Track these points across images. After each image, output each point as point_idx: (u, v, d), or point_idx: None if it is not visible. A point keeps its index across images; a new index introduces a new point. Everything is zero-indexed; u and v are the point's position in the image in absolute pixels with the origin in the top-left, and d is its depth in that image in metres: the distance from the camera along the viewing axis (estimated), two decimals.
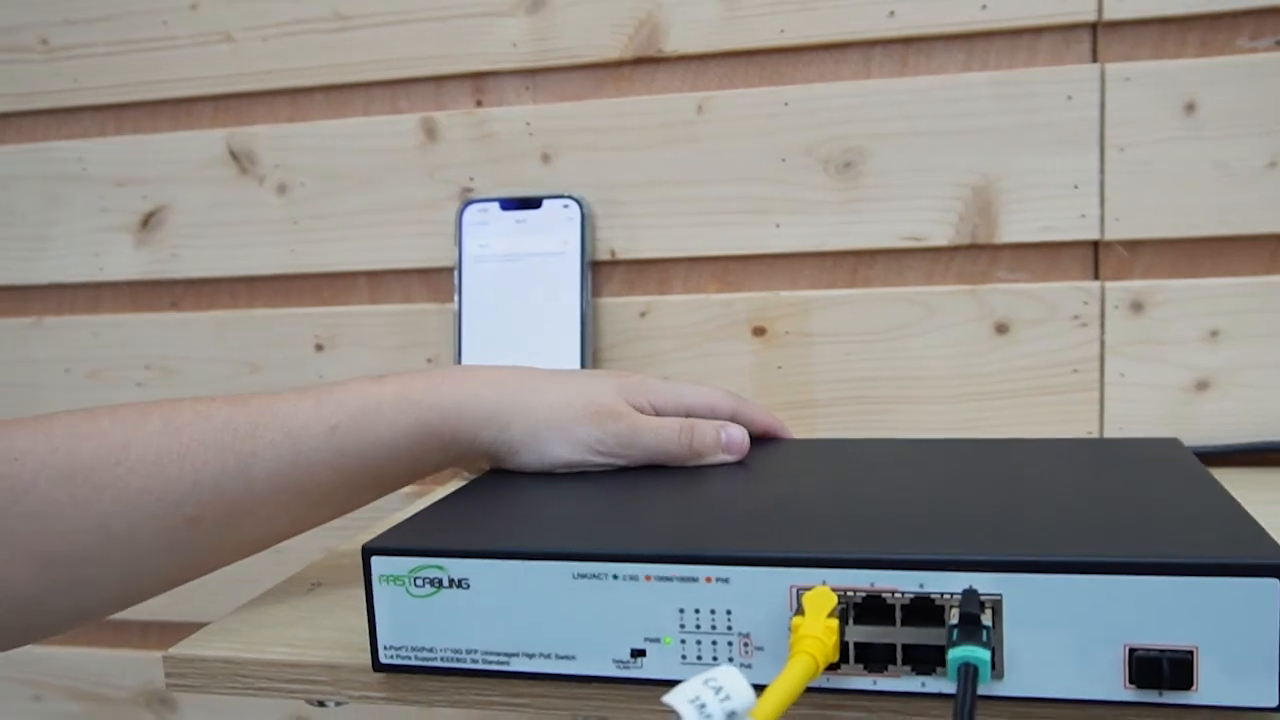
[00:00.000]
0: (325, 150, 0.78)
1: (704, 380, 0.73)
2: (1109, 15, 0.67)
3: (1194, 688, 0.37)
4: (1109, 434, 0.69)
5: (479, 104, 0.76)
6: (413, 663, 0.44)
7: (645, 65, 0.73)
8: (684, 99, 0.72)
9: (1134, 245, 0.68)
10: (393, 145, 0.77)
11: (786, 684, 0.34)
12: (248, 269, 0.80)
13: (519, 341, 0.73)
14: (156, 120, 0.82)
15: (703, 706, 0.31)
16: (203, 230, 0.81)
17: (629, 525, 0.45)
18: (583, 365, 0.72)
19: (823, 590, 0.39)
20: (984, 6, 0.68)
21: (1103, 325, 0.68)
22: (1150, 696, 0.38)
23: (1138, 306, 0.68)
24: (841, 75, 0.71)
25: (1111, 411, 0.69)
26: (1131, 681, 0.38)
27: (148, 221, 0.82)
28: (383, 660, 0.44)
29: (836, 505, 0.47)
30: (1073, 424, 0.69)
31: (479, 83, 0.76)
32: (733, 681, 0.32)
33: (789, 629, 0.40)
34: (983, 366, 0.70)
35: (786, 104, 0.71)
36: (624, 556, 0.41)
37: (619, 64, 0.73)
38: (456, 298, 0.75)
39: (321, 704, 0.47)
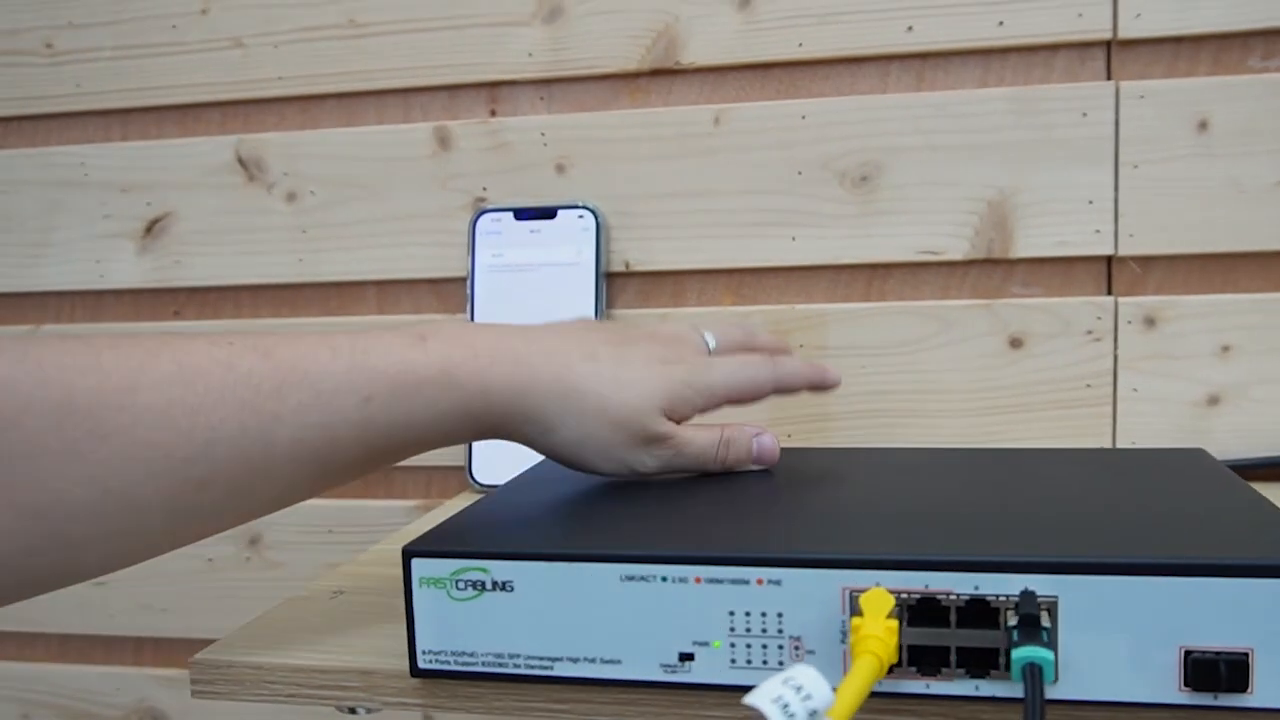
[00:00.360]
0: (336, 158, 0.77)
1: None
2: (1123, 33, 0.67)
3: (1250, 690, 0.37)
4: (1122, 448, 0.69)
5: (493, 113, 0.76)
6: (452, 668, 0.43)
7: (662, 77, 0.73)
8: (701, 111, 0.72)
9: (1147, 261, 0.69)
10: (405, 154, 0.76)
11: (857, 683, 0.34)
12: (254, 277, 0.79)
13: None
14: (162, 126, 0.81)
15: (786, 706, 0.31)
16: (208, 238, 0.80)
17: (677, 527, 0.45)
18: None
19: (879, 591, 0.38)
20: (1001, 23, 0.69)
21: (1116, 340, 0.69)
22: (1205, 699, 0.38)
23: (1150, 322, 0.68)
24: (859, 89, 0.71)
25: (1124, 426, 0.69)
26: (1187, 684, 0.38)
27: (151, 228, 0.81)
28: (421, 665, 0.43)
29: (885, 508, 0.46)
30: (1086, 438, 0.69)
31: (494, 92, 0.76)
32: (812, 680, 0.32)
33: (843, 631, 0.39)
34: (997, 380, 0.70)
35: (804, 117, 0.71)
36: (674, 559, 0.41)
37: (636, 75, 0.73)
38: (469, 307, 0.74)
39: (353, 711, 0.46)
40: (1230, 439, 0.68)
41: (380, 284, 0.78)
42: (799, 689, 0.31)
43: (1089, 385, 0.69)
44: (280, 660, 0.46)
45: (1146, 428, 0.69)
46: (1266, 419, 0.68)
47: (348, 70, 0.77)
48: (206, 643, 0.78)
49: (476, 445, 0.73)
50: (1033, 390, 0.70)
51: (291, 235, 0.78)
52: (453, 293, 0.77)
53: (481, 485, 0.73)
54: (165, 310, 0.82)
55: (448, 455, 0.77)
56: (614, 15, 0.73)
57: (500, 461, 0.72)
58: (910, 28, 0.70)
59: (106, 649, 0.87)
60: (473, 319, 0.74)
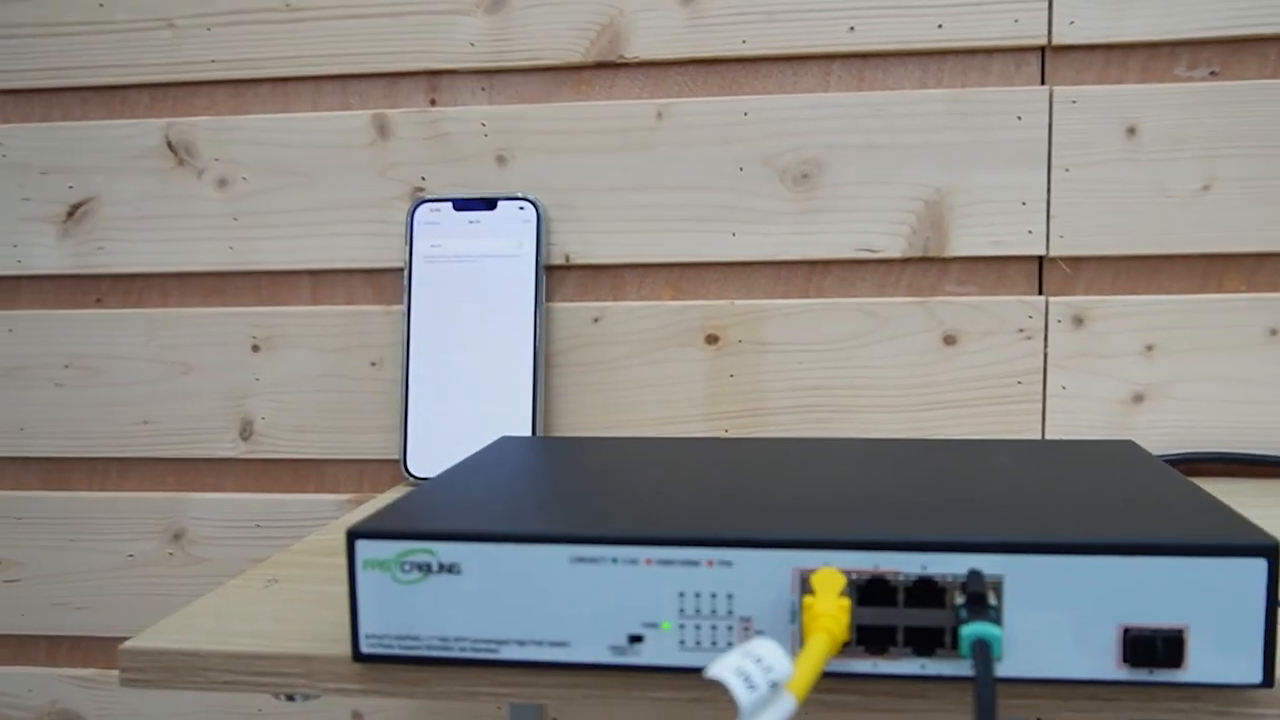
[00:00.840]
0: (270, 144, 0.76)
1: (657, 386, 0.73)
2: (1058, 40, 0.69)
3: (1184, 666, 0.38)
4: (1057, 439, 0.70)
5: (433, 103, 0.75)
6: (396, 652, 0.42)
7: (606, 70, 0.73)
8: (644, 105, 0.72)
9: (1076, 262, 0.70)
10: (342, 142, 0.75)
11: (814, 657, 0.34)
12: (182, 265, 0.78)
13: (470, 344, 0.72)
14: (87, 107, 0.79)
15: (747, 678, 0.31)
16: (134, 223, 0.78)
17: (627, 509, 0.44)
18: (535, 370, 0.71)
19: (830, 571, 0.39)
20: (940, 26, 0.70)
21: (1046, 339, 0.70)
22: (1142, 675, 0.38)
23: (1079, 321, 0.70)
24: (800, 88, 0.72)
25: (1053, 422, 0.70)
26: (1125, 660, 0.38)
27: (74, 213, 0.79)
28: (364, 650, 0.42)
29: (832, 493, 0.47)
30: (1016, 434, 0.71)
31: (434, 81, 0.75)
32: (772, 652, 0.32)
33: (793, 612, 0.39)
34: (932, 377, 0.71)
35: (746, 114, 0.72)
36: (624, 540, 0.41)
37: (579, 68, 0.73)
38: (405, 298, 0.73)
39: (290, 698, 0.45)
40: (1153, 436, 0.70)
41: (315, 274, 0.77)
42: (759, 660, 0.31)
43: (1020, 382, 0.70)
44: (215, 647, 0.45)
45: (1074, 424, 0.70)
46: (1187, 416, 0.70)
47: (283, 55, 0.75)
48: (125, 640, 0.76)
49: (412, 434, 0.72)
50: (966, 387, 0.71)
51: (222, 222, 0.77)
52: (389, 284, 0.76)
53: (416, 478, 0.72)
54: (86, 298, 0.80)
55: (379, 447, 0.76)
56: (558, 7, 0.73)
57: (437, 453, 0.72)
58: (852, 28, 0.71)
59: (18, 648, 0.84)
60: (410, 311, 0.73)
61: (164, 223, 0.78)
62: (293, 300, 0.77)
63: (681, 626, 0.41)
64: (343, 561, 0.56)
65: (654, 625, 0.41)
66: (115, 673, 0.82)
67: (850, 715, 0.73)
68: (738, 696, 0.30)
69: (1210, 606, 0.38)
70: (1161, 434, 0.70)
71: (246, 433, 0.77)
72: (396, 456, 0.75)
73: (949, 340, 0.71)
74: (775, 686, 0.31)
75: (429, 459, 0.72)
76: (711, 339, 0.73)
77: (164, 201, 0.77)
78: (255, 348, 0.77)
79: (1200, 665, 0.38)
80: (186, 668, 0.45)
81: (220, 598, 0.51)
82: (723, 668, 0.31)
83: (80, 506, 0.80)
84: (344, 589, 0.51)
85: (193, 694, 0.80)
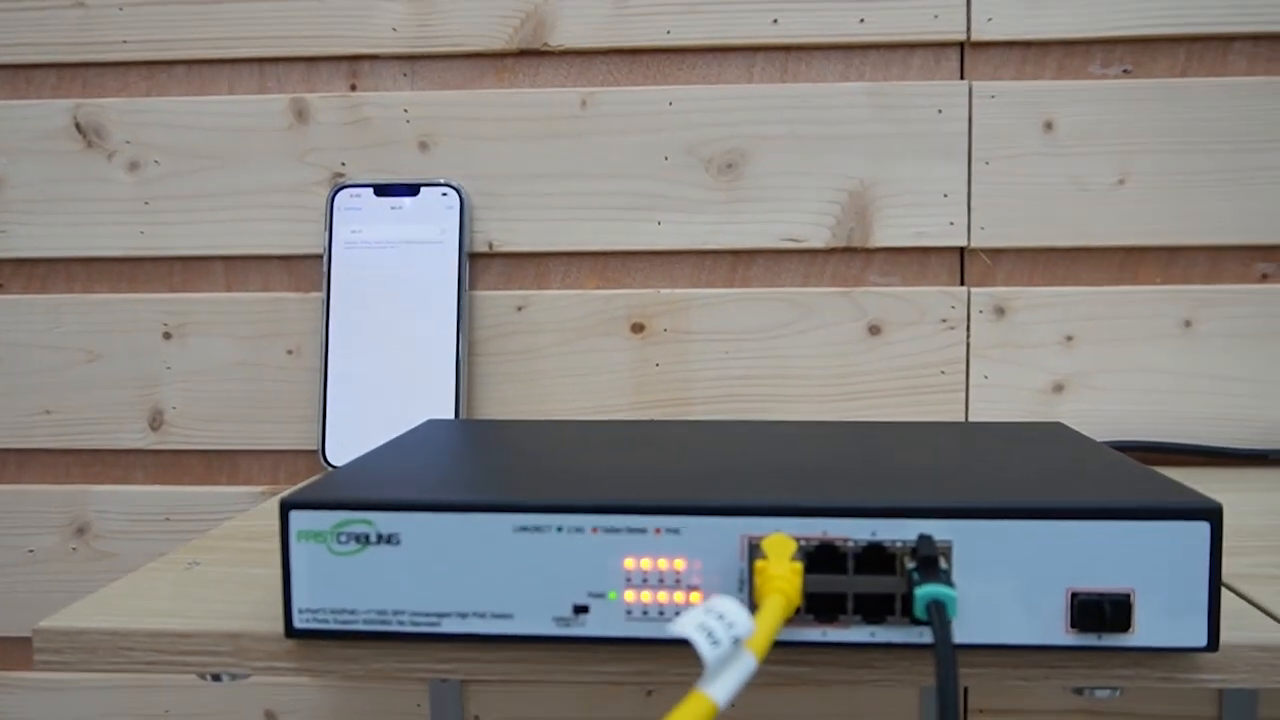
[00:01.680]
0: (184, 128, 0.74)
1: (582, 375, 0.72)
2: (976, 36, 0.70)
3: (1131, 630, 0.39)
4: (990, 421, 0.71)
5: (354, 88, 0.73)
6: (331, 627, 0.41)
7: (530, 58, 0.73)
8: (568, 93, 0.72)
9: (996, 253, 0.72)
10: (259, 125, 0.73)
11: (771, 616, 0.33)
12: (89, 250, 0.75)
13: (391, 332, 0.71)
14: None
15: (710, 633, 0.30)
16: (39, 206, 0.75)
17: (571, 478, 0.44)
18: (458, 358, 0.70)
19: (780, 536, 0.38)
20: (862, 20, 0.71)
21: (968, 329, 0.71)
22: (1090, 640, 0.39)
23: (1000, 311, 0.71)
24: (725, 79, 0.72)
25: (976, 411, 0.71)
26: (1074, 625, 0.39)
27: None
28: (297, 625, 0.41)
29: (780, 464, 0.46)
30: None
31: (354, 66, 0.73)
32: (733, 610, 0.31)
33: (741, 581, 0.39)
34: (857, 366, 0.72)
35: (671, 104, 0.72)
36: (570, 508, 0.40)
37: (503, 55, 0.73)
38: (325, 285, 0.71)
39: (217, 678, 0.43)
40: (1074, 424, 0.71)
41: (229, 260, 0.74)
42: (721, 616, 0.31)
43: (943, 372, 0.71)
44: (137, 626, 0.43)
45: (997, 413, 0.71)
46: (1105, 406, 0.71)
47: (199, 37, 0.73)
48: (25, 641, 0.73)
49: (331, 424, 0.70)
50: (890, 376, 0.72)
51: (133, 207, 0.74)
52: (307, 270, 0.74)
53: (335, 469, 0.70)
54: None
55: (296, 437, 0.74)
56: None
57: (356, 443, 0.70)
58: (775, 20, 0.71)
59: None
60: (329, 298, 0.71)
61: (71, 206, 0.75)
62: (206, 287, 0.75)
63: (628, 597, 0.40)
64: (266, 546, 0.54)
65: (600, 595, 0.40)
66: (15, 674, 0.78)
67: (800, 694, 0.73)
68: (702, 652, 0.30)
69: (1156, 570, 0.38)
70: (1081, 423, 0.71)
71: (156, 423, 0.75)
72: (313, 447, 0.73)
73: (874, 330, 0.72)
74: (737, 642, 0.31)
75: (348, 449, 0.70)
76: (637, 328, 0.73)
77: (71, 184, 0.75)
78: (167, 335, 0.74)
79: (1147, 629, 0.39)
80: (107, 647, 0.43)
81: (139, 579, 0.49)
82: (686, 624, 0.30)
83: None
84: (270, 572, 0.50)
85: (97, 697, 0.77)
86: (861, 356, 0.72)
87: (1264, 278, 0.71)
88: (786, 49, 0.72)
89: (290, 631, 0.41)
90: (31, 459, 0.76)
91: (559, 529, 0.40)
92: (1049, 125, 0.70)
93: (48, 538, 0.76)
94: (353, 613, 0.41)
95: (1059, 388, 0.71)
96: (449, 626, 0.41)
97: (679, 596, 0.40)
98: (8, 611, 0.77)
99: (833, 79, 0.72)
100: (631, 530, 0.40)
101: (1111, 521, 0.38)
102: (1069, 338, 0.71)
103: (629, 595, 0.40)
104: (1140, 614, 0.39)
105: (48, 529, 0.76)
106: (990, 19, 0.70)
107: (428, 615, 0.41)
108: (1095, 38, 0.70)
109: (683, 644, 0.39)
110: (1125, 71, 0.71)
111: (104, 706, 0.77)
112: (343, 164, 0.73)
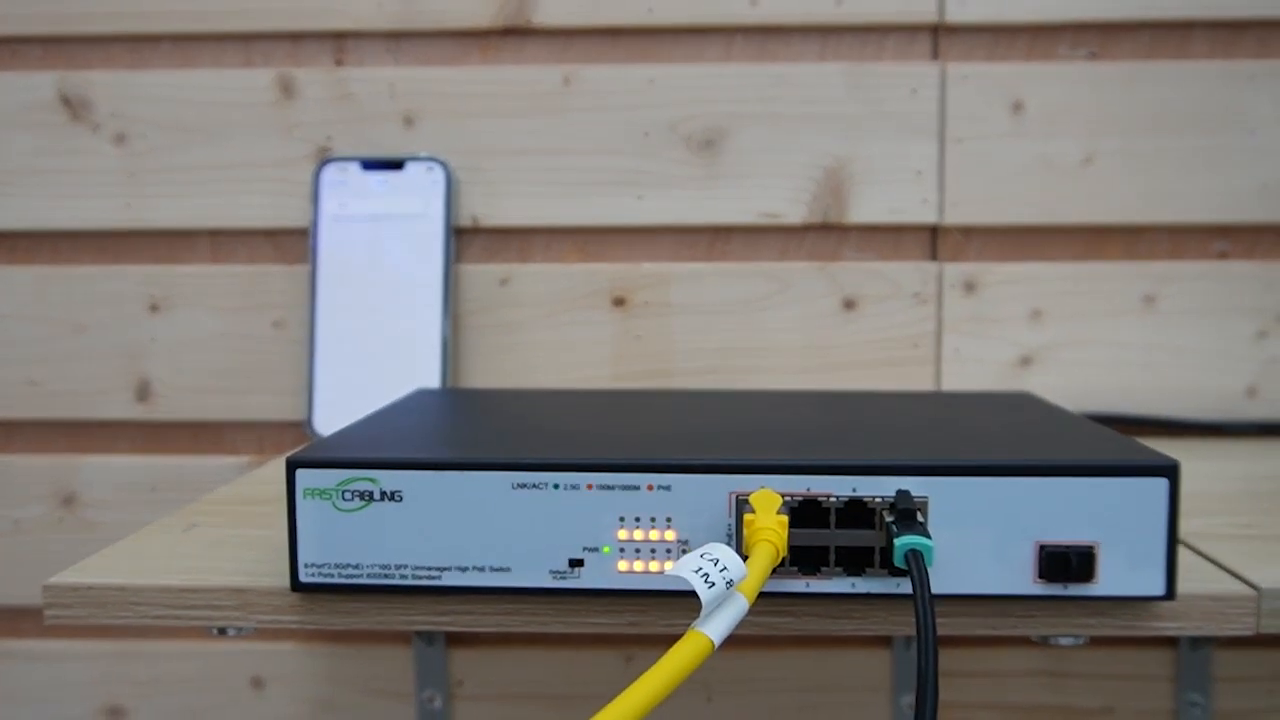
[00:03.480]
0: (171, 101, 0.74)
1: (565, 348, 0.74)
2: (949, 19, 0.72)
3: (1095, 580, 0.41)
4: (960, 390, 0.74)
5: (339, 63, 0.74)
6: (336, 581, 0.43)
7: (514, 36, 0.74)
8: (551, 70, 0.73)
9: (968, 230, 0.74)
10: (245, 100, 0.74)
11: (761, 562, 0.35)
12: (74, 223, 0.75)
13: (377, 305, 0.72)
14: None
15: (706, 576, 0.32)
16: (23, 179, 0.75)
17: (567, 438, 0.46)
18: (444, 331, 0.72)
19: (766, 491, 0.40)
20: (838, 2, 0.72)
21: (940, 304, 0.74)
22: (1057, 589, 0.41)
23: (970, 287, 0.73)
24: (704, 58, 0.74)
25: (948, 383, 0.74)
26: (1041, 576, 0.41)
27: None
28: (303, 579, 0.42)
29: (764, 426, 0.49)
30: None
31: (340, 42, 0.74)
32: (726, 555, 0.33)
33: (729, 535, 0.41)
34: (832, 340, 0.74)
35: (651, 81, 0.73)
36: (567, 465, 0.42)
37: (487, 33, 0.74)
38: (311, 258, 0.73)
39: (223, 631, 0.45)
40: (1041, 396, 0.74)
41: (214, 233, 0.75)
42: (716, 561, 0.33)
43: (916, 345, 0.74)
44: (145, 581, 0.44)
45: (967, 385, 0.74)
46: (1072, 379, 0.74)
47: (184, 10, 0.74)
48: (14, 611, 0.74)
49: (319, 395, 0.72)
50: (864, 349, 0.74)
51: (118, 179, 0.75)
52: (292, 244, 0.75)
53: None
54: None
55: (282, 408, 0.75)
56: None
57: (343, 413, 0.71)
58: (754, 2, 0.73)
59: None
60: (316, 271, 0.72)
61: (56, 178, 0.75)
62: (192, 259, 0.76)
63: (621, 550, 0.42)
64: (261, 510, 0.56)
65: (595, 549, 0.42)
66: (2, 643, 0.79)
67: (780, 658, 0.75)
68: (699, 592, 0.32)
69: (1118, 524, 0.41)
70: (1048, 394, 0.74)
71: (143, 394, 0.76)
72: (298, 418, 0.75)
73: (849, 304, 0.74)
74: (730, 585, 0.33)
75: (335, 420, 0.72)
76: (618, 301, 0.74)
77: (56, 157, 0.75)
78: (153, 307, 0.75)
79: (1109, 579, 0.41)
80: (117, 601, 0.44)
81: (141, 540, 0.50)
82: (682, 567, 0.32)
83: None
84: (266, 533, 0.51)
85: (83, 666, 0.78)
86: (837, 330, 0.74)
87: (1222, 255, 0.73)
88: (765, 30, 0.74)
89: (296, 586, 0.43)
90: (17, 430, 0.77)
91: (556, 486, 0.42)
92: (1018, 106, 0.73)
93: (34, 508, 0.77)
94: (357, 567, 0.42)
95: (1027, 361, 0.74)
96: (449, 580, 0.42)
97: (670, 549, 0.42)
98: None
99: (810, 59, 0.74)
100: (625, 488, 0.42)
101: (1076, 478, 0.41)
102: (1037, 312, 0.73)
103: (622, 548, 0.42)
104: (1103, 565, 0.41)
105: (34, 499, 0.77)
106: (963, 2, 0.72)
107: (429, 569, 0.42)
108: (1063, 22, 0.72)
109: (671, 596, 0.41)
110: (1091, 55, 0.73)
111: (92, 674, 0.78)
112: (329, 138, 0.74)
